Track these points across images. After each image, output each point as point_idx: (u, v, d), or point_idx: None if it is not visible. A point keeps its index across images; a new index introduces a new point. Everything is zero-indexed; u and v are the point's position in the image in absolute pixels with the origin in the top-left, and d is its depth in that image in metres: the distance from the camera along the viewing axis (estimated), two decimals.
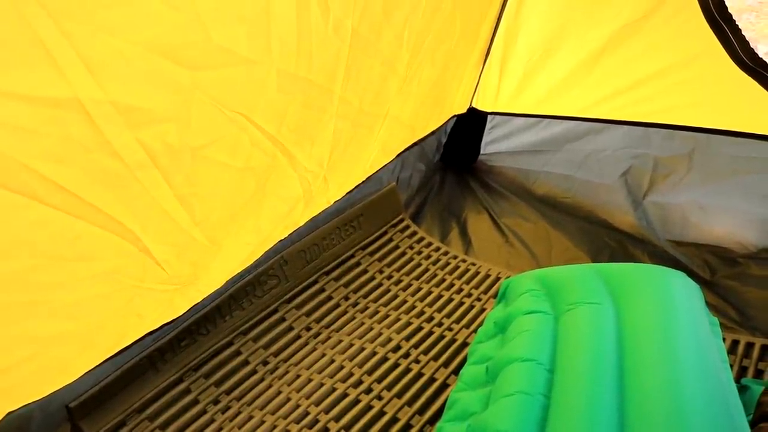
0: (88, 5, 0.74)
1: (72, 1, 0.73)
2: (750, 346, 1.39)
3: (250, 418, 1.28)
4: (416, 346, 1.45)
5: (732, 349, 1.38)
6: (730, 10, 1.52)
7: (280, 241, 1.48)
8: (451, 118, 2.05)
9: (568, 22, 1.76)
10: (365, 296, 1.62)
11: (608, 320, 1.07)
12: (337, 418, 1.27)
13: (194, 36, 0.88)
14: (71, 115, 0.80)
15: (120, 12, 0.78)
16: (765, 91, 1.53)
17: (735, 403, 0.91)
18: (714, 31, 1.53)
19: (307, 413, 1.28)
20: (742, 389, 1.16)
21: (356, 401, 1.31)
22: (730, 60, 1.54)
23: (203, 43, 0.90)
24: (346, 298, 1.61)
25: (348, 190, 1.64)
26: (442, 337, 1.48)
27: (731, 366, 1.31)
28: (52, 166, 0.82)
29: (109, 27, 0.78)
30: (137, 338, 1.22)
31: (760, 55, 1.53)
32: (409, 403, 1.30)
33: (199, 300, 1.31)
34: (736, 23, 1.52)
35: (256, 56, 1.00)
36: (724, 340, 1.29)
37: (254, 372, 1.39)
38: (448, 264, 1.74)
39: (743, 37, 1.52)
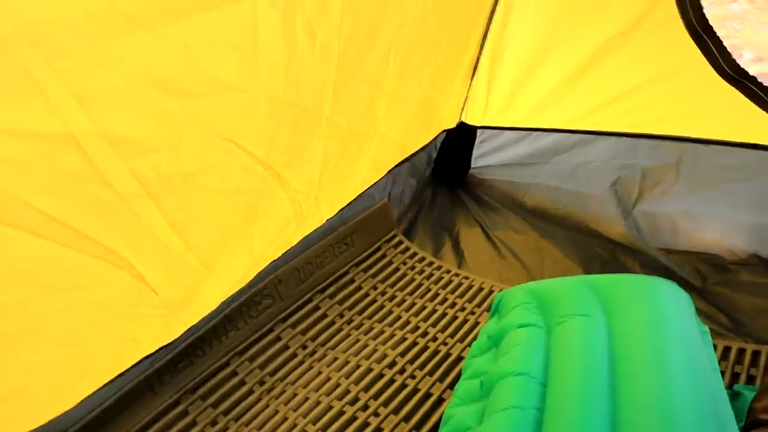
0: (77, 41, 0.76)
1: (61, 38, 0.75)
2: (741, 352, 1.40)
3: None
4: (411, 361, 1.46)
5: (724, 356, 1.39)
6: (715, 18, 1.55)
7: (274, 260, 1.49)
8: (441, 132, 2.06)
9: (554, 36, 1.78)
10: (360, 313, 1.63)
11: (599, 332, 1.08)
12: None
13: (183, 66, 0.90)
14: (64, 149, 0.82)
15: (109, 46, 0.80)
16: (748, 100, 1.55)
17: (725, 411, 0.92)
18: (696, 43, 1.56)
19: None
20: (735, 395, 1.18)
21: (353, 418, 1.32)
22: (713, 70, 1.57)
23: (192, 73, 0.92)
24: (341, 316, 1.62)
25: (340, 208, 1.65)
26: (436, 351, 1.49)
27: (723, 372, 1.33)
28: (46, 199, 0.84)
29: (99, 61, 0.80)
30: (134, 363, 1.23)
31: (746, 61, 1.55)
32: (406, 419, 1.31)
33: (194, 322, 1.32)
34: (718, 35, 1.55)
35: (244, 84, 1.02)
36: (715, 347, 1.30)
37: (251, 392, 1.40)
38: (441, 278, 1.76)
39: (725, 48, 1.55)
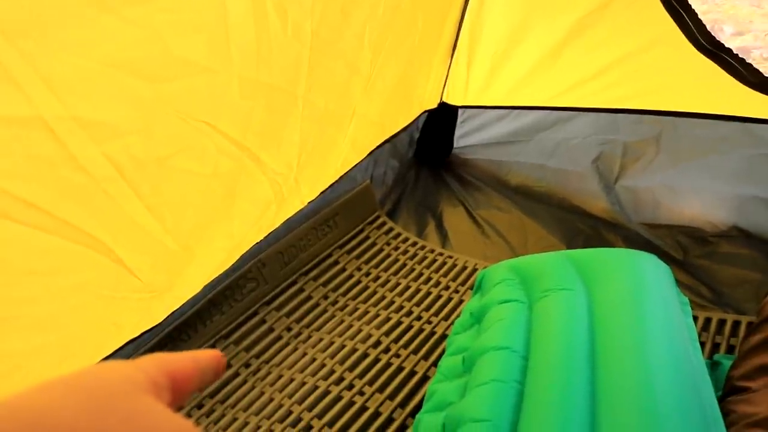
0: (44, 25, 0.76)
1: (28, 22, 0.74)
2: (722, 322, 1.42)
3: (234, 420, 1.29)
4: (396, 340, 1.47)
5: (705, 327, 1.40)
6: None
7: (257, 244, 1.49)
8: (422, 113, 2.06)
9: (531, 13, 1.78)
10: (344, 294, 1.64)
11: (580, 305, 1.09)
12: (320, 416, 1.29)
13: (153, 49, 0.90)
14: (35, 133, 0.81)
15: (76, 31, 0.79)
16: (724, 72, 1.56)
17: (703, 380, 0.94)
18: (671, 17, 1.56)
19: (290, 412, 1.30)
20: (714, 365, 1.20)
21: (338, 398, 1.33)
22: (690, 44, 1.57)
23: (162, 56, 0.92)
24: (326, 297, 1.62)
25: (321, 190, 1.65)
26: (421, 330, 1.50)
27: (704, 343, 1.34)
28: (20, 184, 0.83)
29: (67, 45, 0.79)
30: (117, 347, 1.23)
31: (726, 36, 1.55)
32: (391, 396, 1.33)
33: (177, 306, 1.33)
34: (693, 8, 1.55)
35: (216, 65, 1.02)
36: (696, 318, 1.32)
37: (236, 375, 1.40)
38: (425, 258, 1.76)
39: (700, 20, 1.55)
